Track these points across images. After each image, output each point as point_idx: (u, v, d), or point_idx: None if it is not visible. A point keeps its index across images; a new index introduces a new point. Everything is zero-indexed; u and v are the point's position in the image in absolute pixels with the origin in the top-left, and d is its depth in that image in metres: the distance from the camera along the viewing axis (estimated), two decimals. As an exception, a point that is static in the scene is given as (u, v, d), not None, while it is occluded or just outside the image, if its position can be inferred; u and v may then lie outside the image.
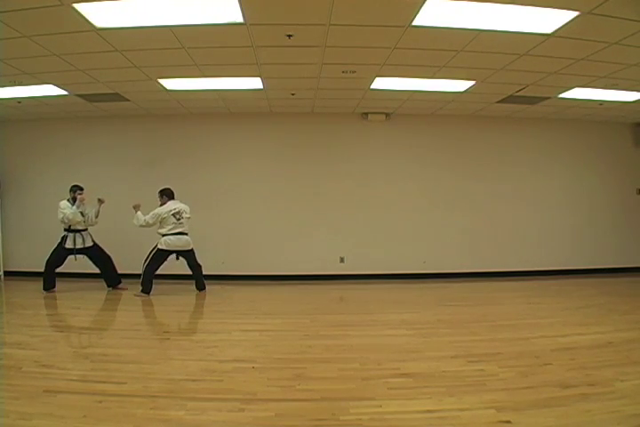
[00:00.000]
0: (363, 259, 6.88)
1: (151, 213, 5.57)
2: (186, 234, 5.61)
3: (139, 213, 5.63)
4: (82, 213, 5.75)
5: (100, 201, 5.81)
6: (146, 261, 5.65)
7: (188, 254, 5.69)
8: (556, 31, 3.74)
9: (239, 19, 3.54)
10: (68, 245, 5.71)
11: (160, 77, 5.08)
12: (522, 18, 3.52)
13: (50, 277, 5.76)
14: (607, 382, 2.78)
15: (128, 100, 6.02)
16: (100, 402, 2.53)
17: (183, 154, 6.86)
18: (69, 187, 5.81)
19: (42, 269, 6.84)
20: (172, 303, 5.37)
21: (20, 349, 3.49)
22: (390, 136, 7.03)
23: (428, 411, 2.44)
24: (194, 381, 2.90)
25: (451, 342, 3.70)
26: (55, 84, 5.23)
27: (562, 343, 3.59)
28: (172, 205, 5.63)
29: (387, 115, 6.93)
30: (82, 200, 5.73)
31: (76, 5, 3.24)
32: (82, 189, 5.81)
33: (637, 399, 2.52)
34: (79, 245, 5.74)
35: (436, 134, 7.08)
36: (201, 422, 2.34)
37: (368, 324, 4.35)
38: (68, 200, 5.77)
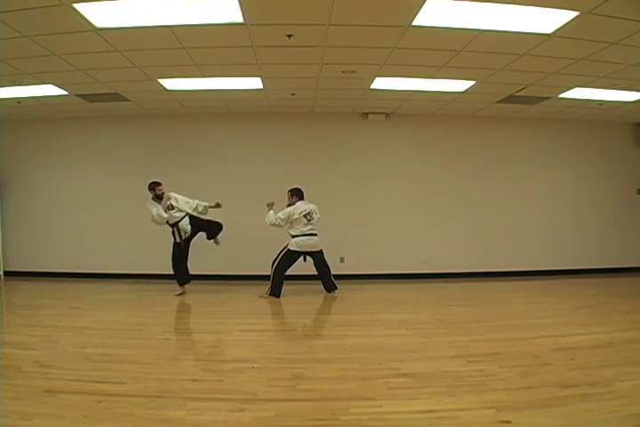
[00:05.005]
0: (363, 259, 6.88)
1: (282, 213, 5.52)
2: (316, 235, 5.59)
3: (270, 211, 5.56)
4: (171, 206, 5.60)
5: (218, 205, 5.76)
6: (275, 261, 5.59)
7: (317, 255, 5.64)
8: (556, 31, 3.74)
9: (239, 19, 3.54)
10: (177, 239, 5.69)
11: (160, 77, 5.08)
12: (522, 18, 3.53)
13: (181, 273, 5.75)
14: (607, 382, 2.78)
15: (128, 100, 6.02)
16: (100, 402, 2.53)
17: (183, 154, 6.86)
18: (148, 186, 5.66)
19: (41, 270, 6.93)
20: (172, 303, 5.37)
21: (19, 349, 3.49)
22: (390, 136, 7.03)
23: (428, 411, 2.44)
24: (194, 381, 2.90)
25: (451, 342, 3.70)
26: (55, 84, 5.23)
27: (562, 343, 3.59)
28: (302, 206, 5.57)
29: (387, 115, 6.93)
30: (168, 198, 5.62)
31: (76, 5, 3.25)
32: (160, 183, 5.69)
33: (637, 399, 2.52)
34: (184, 236, 5.68)
35: (436, 134, 7.08)
36: (201, 422, 2.34)
37: (368, 324, 4.35)
38: (153, 199, 5.64)
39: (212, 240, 5.88)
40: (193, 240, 5.79)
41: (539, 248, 7.16)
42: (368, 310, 4.97)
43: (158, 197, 5.63)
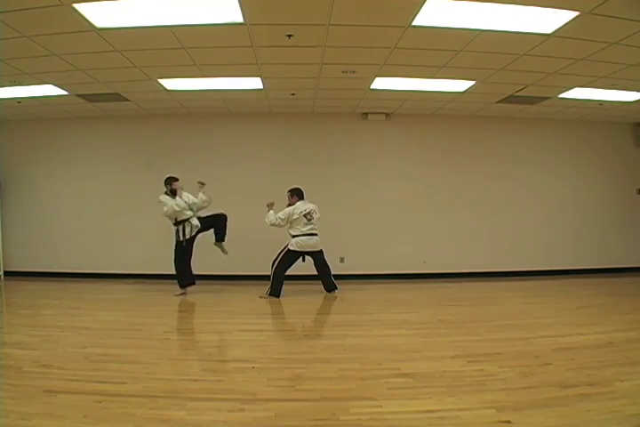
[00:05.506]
0: (363, 259, 6.88)
1: (282, 213, 5.53)
2: (316, 234, 5.58)
3: (270, 211, 5.57)
4: (184, 202, 5.63)
5: (201, 184, 5.74)
6: (275, 262, 5.59)
7: (317, 255, 5.63)
8: (556, 31, 3.74)
9: (239, 19, 3.54)
10: (182, 237, 5.63)
11: (160, 77, 5.08)
12: (522, 18, 3.53)
13: (184, 274, 5.71)
14: (607, 382, 2.78)
15: (128, 100, 6.02)
16: (100, 402, 2.53)
17: (183, 154, 6.85)
18: (164, 181, 5.68)
19: (41, 270, 6.92)
20: (172, 303, 5.37)
21: (19, 349, 3.49)
22: (390, 136, 7.03)
23: (428, 411, 2.44)
24: (194, 381, 2.90)
25: (451, 342, 3.70)
26: (55, 84, 5.23)
27: (562, 343, 3.59)
28: (302, 206, 5.58)
29: (387, 115, 6.93)
30: (180, 188, 5.65)
31: (76, 5, 3.25)
32: (177, 179, 5.69)
33: (637, 399, 2.52)
34: (189, 234, 5.63)
35: (436, 134, 7.08)
36: (201, 422, 2.34)
37: (368, 324, 4.35)
38: (166, 193, 5.64)
39: (219, 248, 5.87)
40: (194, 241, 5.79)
41: (539, 248, 7.15)
42: (368, 310, 4.97)
43: (172, 192, 5.63)
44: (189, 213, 5.68)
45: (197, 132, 6.95)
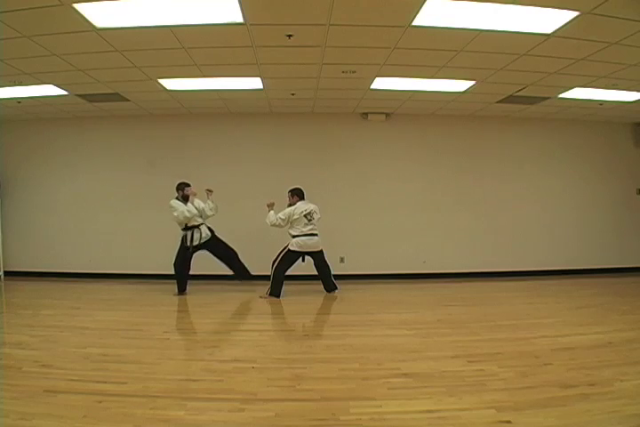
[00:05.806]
0: (363, 259, 6.88)
1: (282, 213, 5.54)
2: (316, 235, 5.57)
3: (271, 212, 5.59)
4: (195, 208, 5.66)
5: (209, 191, 5.76)
6: (275, 262, 5.58)
7: (318, 255, 5.63)
8: (555, 31, 3.75)
9: (239, 19, 3.55)
10: (189, 243, 5.60)
11: (160, 77, 5.08)
12: (522, 18, 3.53)
13: (182, 280, 5.71)
14: (607, 382, 2.78)
15: (128, 100, 6.02)
16: (100, 402, 2.53)
17: (183, 154, 6.87)
18: (176, 186, 5.68)
19: (41, 270, 6.91)
20: (172, 303, 5.38)
21: (20, 349, 3.49)
22: (390, 136, 7.03)
23: (428, 411, 2.44)
24: (194, 381, 2.90)
25: (451, 342, 3.70)
26: (55, 84, 5.23)
27: (562, 343, 3.59)
28: (302, 206, 5.57)
29: (387, 115, 6.93)
30: (194, 194, 5.68)
31: (76, 5, 3.25)
32: (189, 184, 5.70)
33: (637, 399, 2.52)
34: (198, 241, 5.61)
35: (436, 134, 7.09)
36: (201, 422, 2.34)
37: (368, 324, 4.35)
38: (177, 198, 5.64)
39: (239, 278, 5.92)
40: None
41: (539, 248, 7.15)
42: (368, 310, 4.97)
43: (184, 198, 5.64)
44: (200, 219, 5.70)
45: (197, 132, 6.95)
